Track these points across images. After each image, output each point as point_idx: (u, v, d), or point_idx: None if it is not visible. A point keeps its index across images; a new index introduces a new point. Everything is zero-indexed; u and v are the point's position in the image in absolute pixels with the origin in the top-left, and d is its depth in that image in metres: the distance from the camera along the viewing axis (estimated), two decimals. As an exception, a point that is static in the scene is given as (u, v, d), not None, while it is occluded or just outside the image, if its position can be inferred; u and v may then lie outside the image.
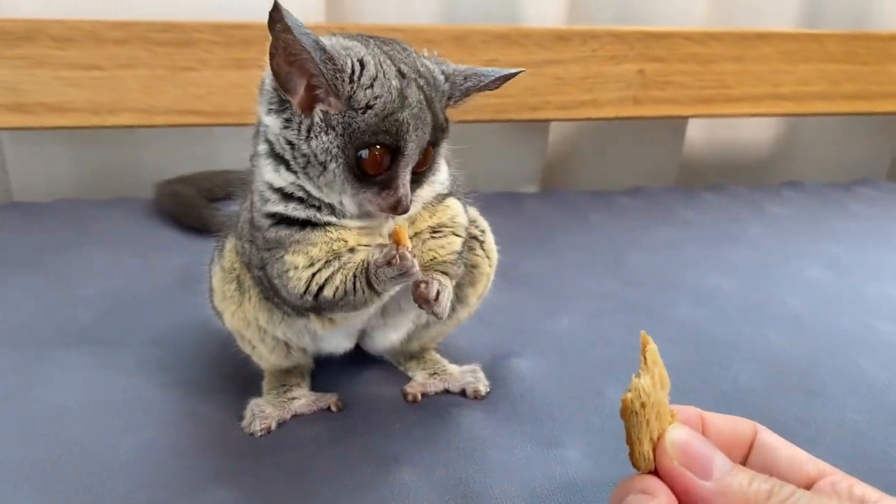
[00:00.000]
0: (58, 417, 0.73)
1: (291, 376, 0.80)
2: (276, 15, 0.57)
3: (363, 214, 0.66)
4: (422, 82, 0.62)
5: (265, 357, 0.78)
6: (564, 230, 1.28)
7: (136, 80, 1.23)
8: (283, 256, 0.66)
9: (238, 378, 0.81)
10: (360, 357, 0.84)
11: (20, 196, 1.38)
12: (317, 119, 0.61)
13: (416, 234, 0.69)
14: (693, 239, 1.26)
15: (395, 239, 0.64)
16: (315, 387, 0.81)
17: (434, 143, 0.64)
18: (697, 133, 1.78)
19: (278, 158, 0.65)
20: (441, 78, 0.64)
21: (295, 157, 0.63)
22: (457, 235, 0.71)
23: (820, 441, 0.74)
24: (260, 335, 0.76)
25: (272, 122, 0.63)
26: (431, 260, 0.69)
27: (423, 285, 0.64)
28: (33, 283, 1.01)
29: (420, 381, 0.81)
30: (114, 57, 1.21)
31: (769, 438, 0.53)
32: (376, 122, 0.59)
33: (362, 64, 0.60)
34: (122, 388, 0.79)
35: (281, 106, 0.63)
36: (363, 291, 0.64)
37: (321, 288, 0.65)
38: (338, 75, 0.58)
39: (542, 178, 1.64)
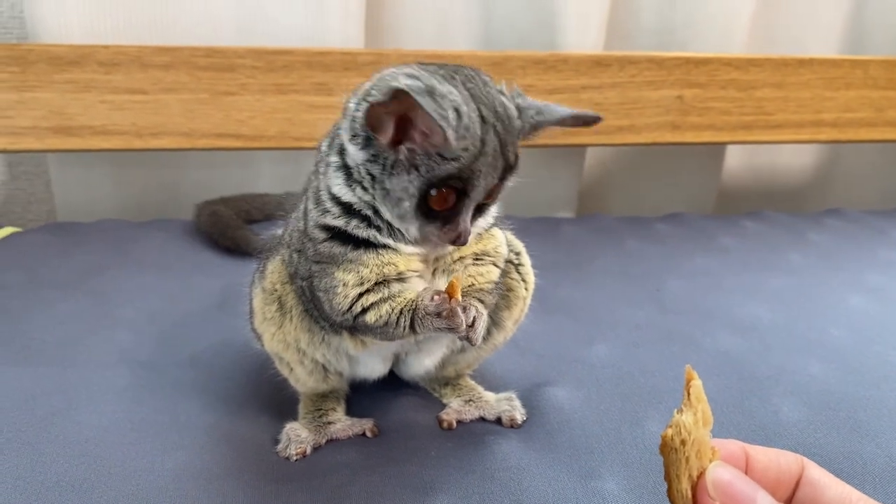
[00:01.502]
0: (97, 438, 0.74)
1: (328, 401, 0.79)
2: (400, 97, 0.57)
3: (423, 242, 0.67)
4: (499, 127, 0.62)
5: (303, 380, 0.78)
6: (601, 256, 1.27)
7: (178, 103, 1.25)
8: (333, 272, 0.66)
9: (274, 401, 0.81)
10: (395, 383, 0.84)
11: (64, 216, 1.41)
12: (402, 157, 0.61)
13: (459, 259, 0.70)
14: (732, 266, 1.24)
15: (449, 291, 0.64)
16: (351, 412, 0.80)
17: (502, 180, 0.65)
18: (737, 159, 1.76)
19: (352, 177, 0.65)
20: (515, 115, 0.64)
21: (374, 188, 0.64)
22: (496, 266, 0.72)
23: (867, 478, 0.72)
24: (299, 357, 0.76)
25: (355, 153, 0.64)
26: (469, 286, 0.70)
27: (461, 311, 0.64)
28: (75, 303, 1.03)
29: (455, 407, 0.80)
30: (158, 81, 1.24)
31: (817, 474, 0.51)
32: (457, 171, 0.61)
33: (459, 115, 0.59)
34: (160, 410, 0.79)
35: (367, 140, 0.63)
36: (403, 328, 0.65)
37: (365, 311, 0.66)
38: (444, 123, 0.57)
39: (578, 204, 1.63)
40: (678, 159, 1.64)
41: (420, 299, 0.64)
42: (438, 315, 0.63)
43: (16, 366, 0.87)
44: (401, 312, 0.65)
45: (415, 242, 0.67)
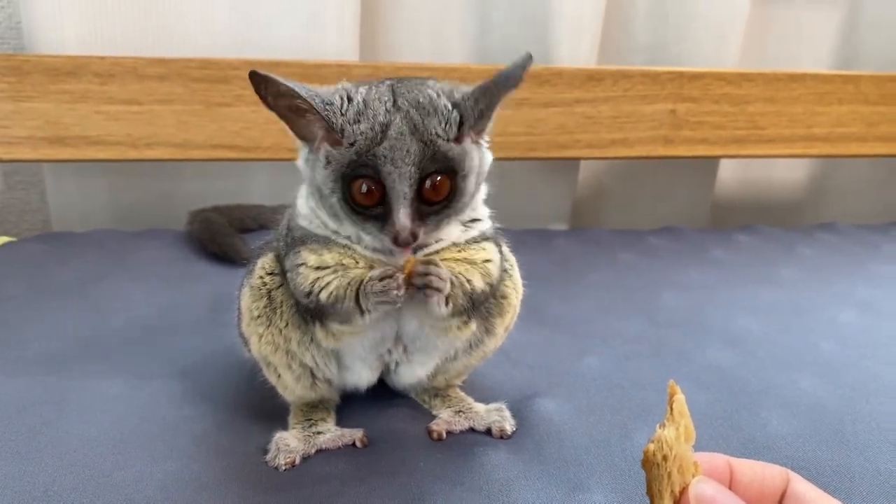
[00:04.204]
0: (86, 447, 0.74)
1: (317, 411, 0.80)
2: (257, 77, 0.63)
3: (384, 251, 0.69)
4: (413, 112, 0.64)
5: (290, 387, 0.78)
6: (593, 269, 1.28)
7: (173, 115, 1.26)
8: (300, 251, 0.70)
9: (264, 411, 0.81)
10: (385, 394, 0.84)
11: (59, 226, 1.42)
12: (321, 155, 0.65)
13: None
14: (724, 280, 1.25)
15: (404, 269, 0.66)
16: (340, 422, 0.80)
17: (441, 172, 0.64)
18: (730, 173, 1.77)
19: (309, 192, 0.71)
20: (445, 105, 0.65)
21: (311, 189, 0.69)
22: (482, 276, 0.71)
23: (855, 492, 0.72)
24: (287, 360, 0.76)
25: (300, 165, 0.70)
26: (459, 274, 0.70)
27: (422, 274, 0.66)
28: (68, 312, 1.03)
29: (445, 418, 0.80)
30: (152, 92, 1.24)
31: (802, 488, 0.51)
32: (358, 156, 0.63)
33: (349, 99, 0.64)
34: (149, 419, 0.79)
35: (308, 152, 0.69)
36: (350, 302, 0.67)
37: (321, 290, 0.68)
38: (328, 107, 0.63)
39: (571, 216, 1.64)
40: (672, 173, 1.64)
41: (368, 274, 0.67)
42: (381, 279, 0.64)
43: (7, 375, 0.86)
44: (348, 285, 0.67)
45: (379, 251, 0.69)
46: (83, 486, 0.68)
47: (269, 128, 1.29)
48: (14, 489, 0.67)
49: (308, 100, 0.62)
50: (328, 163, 0.65)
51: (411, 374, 0.81)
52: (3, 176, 1.45)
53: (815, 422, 0.83)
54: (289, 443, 0.74)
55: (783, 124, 1.51)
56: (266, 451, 0.74)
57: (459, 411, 0.81)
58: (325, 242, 0.70)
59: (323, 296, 0.68)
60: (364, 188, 0.64)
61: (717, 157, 1.64)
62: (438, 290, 0.66)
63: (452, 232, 0.71)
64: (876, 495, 0.71)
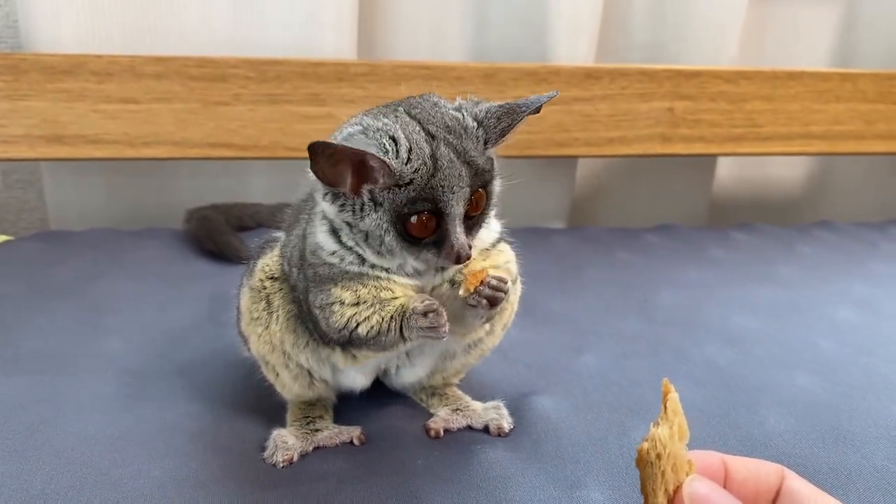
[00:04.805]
0: (83, 446, 0.74)
1: (315, 408, 0.80)
2: (318, 152, 0.60)
3: (421, 272, 0.69)
4: (451, 138, 0.64)
5: (288, 386, 0.79)
6: (591, 267, 1.28)
7: (171, 113, 1.26)
8: (330, 289, 0.68)
9: (261, 409, 0.81)
10: (382, 391, 0.85)
11: (56, 225, 1.42)
12: (365, 198, 0.64)
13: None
14: (722, 278, 1.25)
15: (473, 277, 0.67)
16: (338, 420, 0.81)
17: (482, 186, 0.66)
18: (728, 171, 1.77)
19: (335, 228, 0.68)
20: (473, 125, 0.66)
21: (354, 234, 0.66)
22: (508, 275, 0.73)
23: (851, 489, 0.72)
24: (284, 361, 0.76)
25: (328, 207, 0.67)
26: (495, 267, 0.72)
27: (494, 281, 0.67)
28: (65, 311, 1.03)
29: (443, 416, 0.80)
30: (150, 91, 1.24)
31: (797, 485, 0.51)
32: (416, 193, 0.62)
33: (395, 140, 0.62)
34: (147, 418, 0.79)
35: (335, 194, 0.65)
36: (394, 334, 0.67)
37: (358, 324, 0.68)
38: (383, 160, 0.61)
39: (569, 214, 1.64)
40: (669, 171, 1.64)
41: (409, 301, 0.66)
42: (425, 315, 0.64)
43: (4, 374, 0.87)
44: (391, 318, 0.67)
45: (412, 275, 0.69)
46: (80, 485, 0.68)
47: (267, 126, 1.29)
48: (11, 487, 0.67)
49: (378, 157, 0.60)
50: (377, 205, 0.64)
51: (412, 374, 0.81)
52: (0, 175, 1.45)
53: (813, 419, 0.83)
54: (286, 440, 0.74)
55: (781, 122, 1.51)
56: (264, 449, 0.74)
57: (457, 409, 0.81)
58: (358, 278, 0.68)
59: (362, 330, 0.68)
60: (423, 220, 0.63)
61: (715, 156, 1.64)
62: (503, 293, 0.67)
63: (484, 237, 0.72)
64: (873, 492, 0.72)
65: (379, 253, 0.67)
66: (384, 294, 0.68)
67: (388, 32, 1.44)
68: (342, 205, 0.65)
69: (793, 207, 1.83)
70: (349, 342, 0.70)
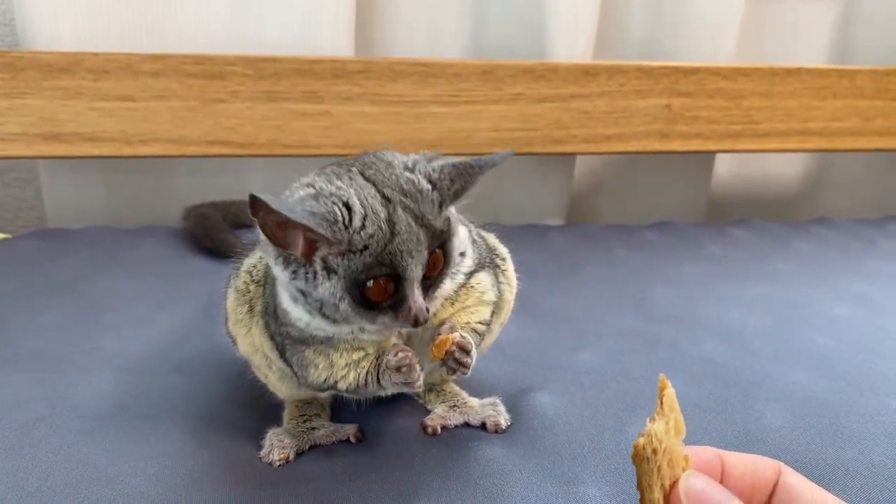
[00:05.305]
0: (79, 443, 0.74)
1: (311, 407, 0.80)
2: (257, 206, 0.58)
3: (385, 331, 0.68)
4: (408, 202, 0.63)
5: (277, 386, 0.79)
6: (589, 264, 1.28)
7: (168, 111, 1.26)
8: (304, 350, 0.70)
9: (258, 407, 0.81)
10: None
11: (54, 223, 1.41)
12: (318, 266, 0.62)
13: (441, 323, 0.71)
14: (719, 274, 1.25)
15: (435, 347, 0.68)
16: (335, 418, 0.81)
17: (439, 247, 0.65)
18: (726, 168, 1.77)
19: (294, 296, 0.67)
20: (427, 187, 0.64)
21: (309, 302, 0.65)
22: (486, 305, 0.74)
23: (849, 484, 0.72)
24: (267, 363, 0.77)
25: (280, 274, 0.65)
26: (466, 323, 0.72)
27: (457, 353, 0.67)
28: (63, 309, 1.03)
29: (440, 413, 0.80)
30: (147, 88, 1.24)
31: (794, 480, 0.51)
32: (373, 259, 0.61)
33: (349, 207, 0.61)
34: (143, 415, 0.79)
35: (286, 260, 0.64)
36: (373, 386, 0.68)
37: (336, 382, 0.70)
38: (334, 227, 0.60)
39: (567, 212, 1.63)
40: (667, 168, 1.64)
41: (384, 355, 0.67)
42: (398, 370, 0.65)
43: (1, 372, 0.86)
44: (367, 374, 0.68)
45: (376, 334, 0.68)
46: (77, 482, 0.68)
47: (265, 124, 1.29)
48: (7, 485, 0.67)
49: (312, 226, 0.58)
50: (331, 272, 0.62)
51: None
52: (-2, 173, 1.45)
53: (810, 415, 0.83)
54: (283, 438, 0.74)
55: (779, 119, 1.51)
56: (260, 447, 0.74)
57: (454, 406, 0.81)
58: (327, 342, 0.69)
59: (341, 385, 0.70)
60: (380, 285, 0.62)
61: (713, 152, 1.64)
62: (466, 367, 0.67)
63: (446, 288, 0.71)
64: (870, 488, 0.71)
65: (335, 321, 0.65)
66: (356, 355, 0.69)
67: (385, 30, 1.44)
68: (294, 272, 0.63)
69: (791, 204, 1.83)
70: (330, 390, 0.72)
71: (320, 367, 0.69)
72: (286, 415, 0.80)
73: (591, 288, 1.17)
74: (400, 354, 0.65)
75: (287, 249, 0.62)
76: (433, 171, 0.65)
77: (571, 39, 1.42)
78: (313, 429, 0.77)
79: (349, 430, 0.77)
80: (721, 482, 0.50)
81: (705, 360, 0.95)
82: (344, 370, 0.69)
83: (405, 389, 0.68)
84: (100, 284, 1.11)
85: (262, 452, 0.73)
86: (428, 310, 0.64)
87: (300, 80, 1.28)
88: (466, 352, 0.67)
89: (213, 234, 1.24)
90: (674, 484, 0.49)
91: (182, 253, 1.25)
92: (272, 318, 0.72)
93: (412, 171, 0.65)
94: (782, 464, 0.52)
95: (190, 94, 1.26)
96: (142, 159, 1.33)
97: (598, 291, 1.16)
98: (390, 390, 0.70)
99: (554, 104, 1.39)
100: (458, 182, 0.65)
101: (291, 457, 0.73)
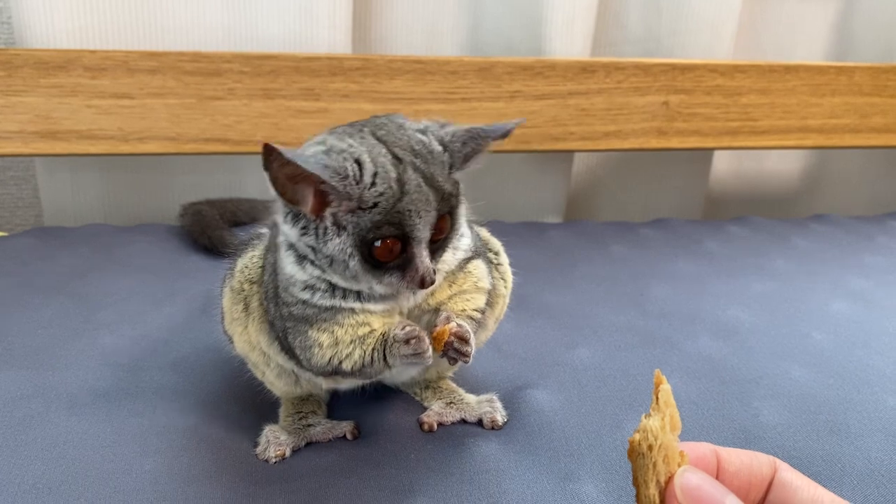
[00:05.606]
0: (75, 440, 0.74)
1: (308, 404, 0.80)
2: (271, 156, 0.58)
3: (390, 296, 0.68)
4: (418, 162, 0.63)
5: (274, 383, 0.79)
6: (587, 261, 1.27)
7: (165, 108, 1.25)
8: (307, 331, 0.68)
9: (254, 404, 0.81)
10: (376, 385, 0.84)
11: (51, 221, 1.41)
12: (328, 222, 0.63)
13: (438, 304, 0.71)
14: (717, 271, 1.25)
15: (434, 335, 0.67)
16: (331, 415, 0.80)
17: (448, 211, 0.65)
18: (724, 165, 1.77)
19: (301, 256, 0.67)
20: (439, 149, 0.65)
21: (318, 259, 0.65)
22: (481, 294, 0.74)
23: (845, 481, 0.72)
24: (265, 360, 0.76)
25: (289, 231, 0.65)
26: (461, 311, 0.72)
27: (456, 342, 0.66)
28: (59, 306, 1.02)
29: (437, 410, 0.80)
30: (144, 86, 1.24)
31: (790, 477, 0.51)
32: (381, 217, 0.61)
33: (360, 163, 0.61)
34: (139, 413, 0.79)
35: (295, 216, 0.64)
36: (379, 364, 0.67)
37: (340, 362, 0.68)
38: (345, 182, 0.60)
39: (565, 209, 1.63)
40: (665, 165, 1.64)
41: (390, 330, 0.66)
42: (407, 342, 0.64)
43: (-3, 369, 0.86)
44: (374, 350, 0.67)
45: (383, 298, 0.68)
46: (72, 479, 0.68)
47: (262, 121, 1.29)
48: (3, 482, 0.67)
49: (324, 178, 0.59)
50: (341, 229, 0.62)
51: (404, 374, 0.81)
52: (-5, 171, 1.45)
53: (807, 411, 0.83)
54: (279, 435, 0.74)
55: (777, 116, 1.51)
56: (256, 444, 0.74)
57: (451, 403, 0.81)
58: (332, 317, 0.67)
59: (345, 365, 0.68)
60: (388, 245, 0.62)
61: (711, 149, 1.64)
62: (466, 355, 0.66)
63: (449, 260, 0.71)
64: (866, 484, 0.72)
65: (343, 278, 0.65)
66: (362, 330, 0.68)
67: (382, 27, 1.44)
68: (304, 228, 0.64)
69: (789, 201, 1.83)
70: (333, 373, 0.70)
71: (325, 345, 0.68)
72: (282, 412, 0.80)
73: (589, 285, 1.17)
74: (407, 328, 0.65)
75: (297, 205, 0.62)
76: (445, 134, 0.66)
77: (569, 36, 1.42)
78: (309, 426, 0.76)
79: (345, 426, 0.77)
80: (717, 478, 0.50)
81: (702, 357, 0.95)
82: (349, 347, 0.67)
83: (414, 363, 0.66)
84: (96, 282, 1.11)
85: (258, 449, 0.73)
86: (435, 272, 0.64)
87: (297, 77, 1.28)
88: (465, 340, 0.66)
89: (209, 231, 1.24)
90: (669, 479, 0.48)
91: (179, 250, 1.25)
92: (272, 303, 0.71)
93: (424, 133, 0.66)
94: (778, 460, 0.52)
95: (187, 92, 1.25)
96: (139, 157, 1.33)
97: (596, 288, 1.16)
98: (398, 368, 0.68)
99: (552, 101, 1.39)
100: (469, 145, 0.65)
101: (287, 454, 0.73)
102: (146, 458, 0.71)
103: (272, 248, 0.72)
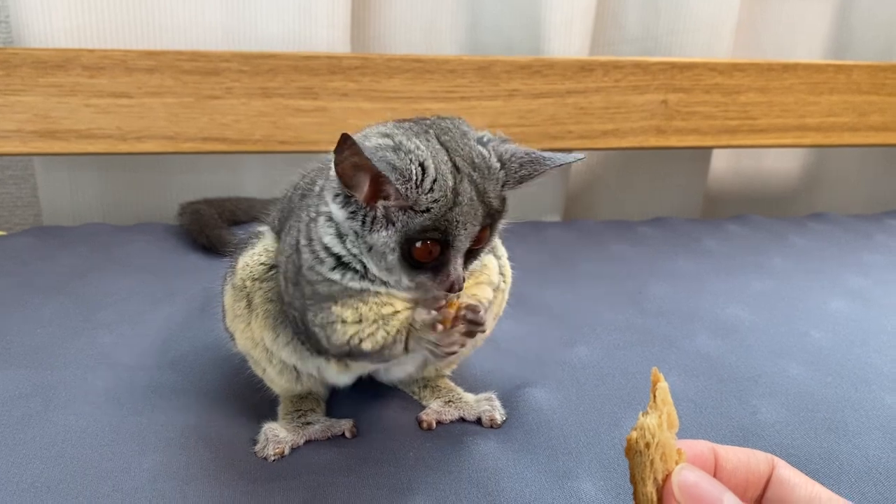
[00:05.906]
0: (74, 439, 0.74)
1: (306, 402, 0.80)
2: (346, 144, 0.59)
3: (417, 290, 0.68)
4: (475, 175, 0.64)
5: (275, 381, 0.79)
6: (586, 259, 1.28)
7: (163, 107, 1.25)
8: (330, 307, 0.68)
9: (253, 402, 0.81)
10: (375, 384, 0.84)
11: (50, 220, 1.41)
12: (379, 213, 0.63)
13: None
14: (715, 270, 1.25)
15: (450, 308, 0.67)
16: (330, 413, 0.81)
17: (488, 226, 0.66)
18: (723, 164, 1.77)
19: (340, 233, 0.67)
20: (496, 165, 0.66)
21: (359, 244, 0.65)
22: (490, 286, 0.75)
23: (843, 478, 0.72)
24: (267, 356, 0.77)
25: (337, 211, 0.65)
26: (472, 295, 0.73)
27: (469, 314, 0.66)
28: (57, 306, 1.02)
29: (435, 408, 0.80)
30: (142, 85, 1.24)
31: (787, 474, 0.51)
32: (431, 223, 0.62)
33: (423, 168, 0.62)
34: (138, 411, 0.79)
35: (346, 199, 0.64)
36: (399, 347, 0.68)
37: (361, 341, 0.68)
38: (407, 185, 0.61)
39: (564, 208, 1.63)
40: (664, 164, 1.64)
41: (415, 314, 0.67)
42: (433, 328, 0.65)
43: (-4, 368, 0.87)
44: (397, 332, 0.68)
45: (408, 290, 0.68)
46: (71, 477, 0.68)
47: (260, 120, 1.29)
48: (2, 480, 0.67)
49: (391, 178, 0.60)
50: (389, 223, 0.63)
51: (402, 370, 0.81)
52: (-7, 170, 1.45)
53: (805, 410, 0.83)
54: (278, 433, 0.74)
55: (775, 114, 1.51)
56: (255, 442, 0.74)
57: (449, 401, 0.81)
58: (358, 295, 0.68)
59: (366, 346, 0.68)
60: (428, 247, 0.63)
61: (709, 148, 1.64)
62: (481, 322, 0.67)
63: (477, 264, 0.72)
64: (864, 482, 0.72)
65: (377, 267, 0.66)
66: (386, 310, 0.68)
67: (381, 26, 1.44)
68: (353, 212, 0.64)
69: (787, 199, 1.83)
70: (349, 355, 0.71)
71: (348, 321, 0.67)
72: (281, 410, 0.80)
73: (587, 283, 1.17)
74: (433, 312, 0.66)
75: (352, 190, 0.63)
76: (505, 152, 0.66)
77: (567, 35, 1.42)
78: (308, 424, 0.76)
79: (344, 424, 0.77)
80: (714, 476, 0.50)
81: (701, 355, 0.95)
82: (372, 326, 0.68)
83: (435, 351, 0.67)
84: (95, 281, 1.11)
85: (257, 447, 0.73)
86: (464, 279, 0.65)
87: (296, 76, 1.28)
88: (476, 312, 0.67)
89: (208, 230, 1.24)
90: (667, 477, 0.49)
91: (177, 249, 1.25)
92: (291, 283, 0.71)
93: (485, 146, 0.66)
94: (776, 457, 0.52)
95: (185, 91, 1.25)
96: (137, 156, 1.33)
97: (594, 287, 1.16)
98: (416, 352, 0.69)
99: (550, 100, 1.39)
100: (526, 168, 0.66)
101: (286, 451, 0.73)
102: (145, 457, 0.71)
103: (292, 230, 0.71)
